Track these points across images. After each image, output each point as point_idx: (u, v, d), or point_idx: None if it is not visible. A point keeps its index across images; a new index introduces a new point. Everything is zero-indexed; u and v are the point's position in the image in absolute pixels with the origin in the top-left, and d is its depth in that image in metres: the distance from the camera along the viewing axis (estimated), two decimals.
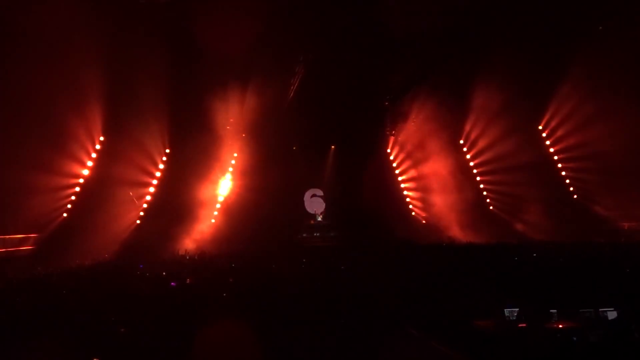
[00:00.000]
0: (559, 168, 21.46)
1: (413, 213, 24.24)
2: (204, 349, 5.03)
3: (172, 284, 9.40)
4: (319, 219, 24.34)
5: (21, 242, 16.40)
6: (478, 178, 23.19)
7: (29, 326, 5.55)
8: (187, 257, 15.01)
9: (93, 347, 5.11)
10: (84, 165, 18.47)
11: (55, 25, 13.45)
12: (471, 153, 23.21)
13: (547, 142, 21.58)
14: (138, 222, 19.69)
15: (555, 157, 21.49)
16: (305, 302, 7.09)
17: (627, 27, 15.76)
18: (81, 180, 18.49)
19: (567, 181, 21.31)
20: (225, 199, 21.61)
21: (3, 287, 9.58)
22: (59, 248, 15.82)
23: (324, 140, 24.22)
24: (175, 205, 19.47)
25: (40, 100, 15.16)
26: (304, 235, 23.28)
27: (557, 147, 21.31)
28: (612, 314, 5.91)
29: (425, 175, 22.87)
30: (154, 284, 9.68)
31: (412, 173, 24.04)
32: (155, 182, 20.50)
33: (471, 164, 23.28)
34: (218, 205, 21.35)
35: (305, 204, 24.73)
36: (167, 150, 20.85)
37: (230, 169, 21.95)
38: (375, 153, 24.32)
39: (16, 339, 5.10)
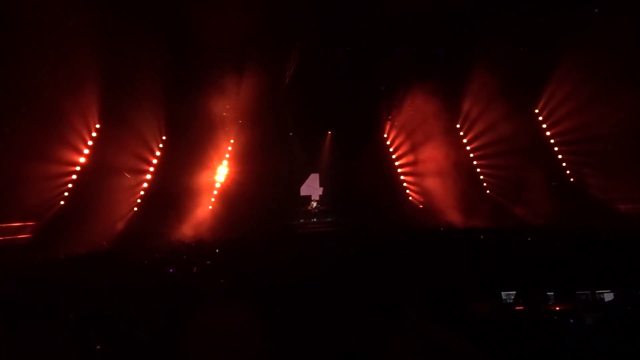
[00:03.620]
0: (556, 151, 21.46)
1: (410, 198, 24.28)
2: (202, 335, 5.05)
3: (170, 270, 9.43)
4: (316, 204, 24.36)
5: (18, 230, 16.38)
6: (475, 162, 23.19)
7: (27, 315, 5.56)
8: (185, 244, 15.03)
9: (93, 336, 5.12)
10: (80, 153, 18.37)
11: (51, 11, 13.30)
12: (468, 137, 23.17)
13: (544, 126, 21.55)
14: (135, 209, 19.68)
15: (552, 141, 21.48)
16: (302, 287, 7.12)
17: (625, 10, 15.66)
18: (78, 168, 18.41)
19: (564, 164, 21.32)
20: (222, 185, 21.59)
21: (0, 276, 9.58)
22: (56, 236, 15.79)
23: (320, 125, 24.16)
24: (172, 192, 19.42)
25: (36, 88, 15.02)
26: (301, 220, 23.31)
27: (553, 131, 21.29)
28: (608, 296, 5.95)
29: (422, 160, 22.83)
30: (151, 270, 9.70)
31: (408, 158, 24.00)
32: (152, 169, 20.45)
33: (468, 147, 23.26)
34: (215, 192, 21.34)
35: (302, 189, 24.74)
36: (164, 137, 20.76)
37: (227, 156, 21.89)
38: (371, 138, 24.27)
39: (13, 328, 5.10)
